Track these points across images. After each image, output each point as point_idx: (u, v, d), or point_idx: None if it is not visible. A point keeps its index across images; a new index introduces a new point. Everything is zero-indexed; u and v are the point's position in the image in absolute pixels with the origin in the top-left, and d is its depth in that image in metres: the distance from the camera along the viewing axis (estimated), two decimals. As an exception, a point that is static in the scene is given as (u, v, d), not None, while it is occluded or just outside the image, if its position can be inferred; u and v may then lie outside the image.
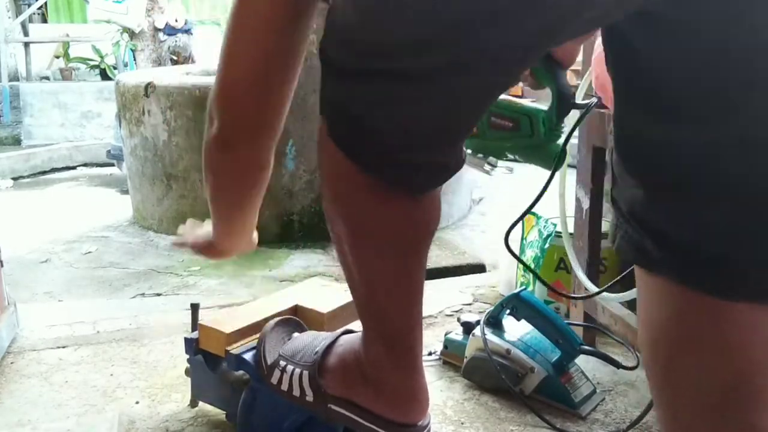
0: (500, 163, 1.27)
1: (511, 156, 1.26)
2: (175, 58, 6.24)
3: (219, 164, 0.99)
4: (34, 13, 7.78)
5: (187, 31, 6.39)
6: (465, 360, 1.59)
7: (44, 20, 8.46)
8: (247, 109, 0.93)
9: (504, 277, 2.09)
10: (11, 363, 1.70)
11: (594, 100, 1.15)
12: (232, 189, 1.03)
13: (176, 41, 6.31)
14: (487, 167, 1.29)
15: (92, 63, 6.92)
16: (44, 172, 4.95)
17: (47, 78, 7.06)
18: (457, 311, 1.96)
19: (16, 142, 5.66)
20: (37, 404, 1.51)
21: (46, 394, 1.55)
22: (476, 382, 1.54)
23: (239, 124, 0.95)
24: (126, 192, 3.62)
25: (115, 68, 6.59)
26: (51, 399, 1.53)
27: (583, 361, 1.51)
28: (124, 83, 3.32)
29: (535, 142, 1.20)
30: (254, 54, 0.91)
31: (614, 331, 1.56)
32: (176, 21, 6.28)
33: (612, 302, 1.56)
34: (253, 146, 0.97)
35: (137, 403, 1.49)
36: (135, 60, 6.27)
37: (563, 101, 1.16)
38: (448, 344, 1.67)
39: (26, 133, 5.66)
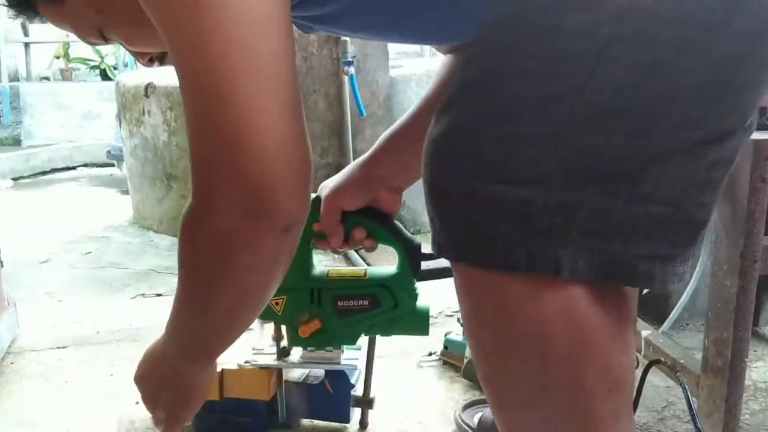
0: None
1: (365, 336, 1.15)
2: (175, 58, 6.24)
3: (275, 253, 0.67)
4: (34, 13, 7.78)
5: (188, 32, 6.38)
6: (465, 360, 1.59)
7: (44, 20, 8.46)
8: (303, 170, 0.63)
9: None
10: (11, 363, 1.70)
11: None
12: (272, 277, 0.72)
13: (176, 41, 6.31)
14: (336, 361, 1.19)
15: (92, 63, 6.92)
16: (44, 173, 4.94)
17: (47, 78, 7.05)
18: (456, 311, 1.96)
19: (16, 142, 5.66)
20: (36, 405, 1.51)
21: (46, 395, 1.55)
22: (477, 383, 1.54)
23: (300, 196, 0.64)
24: (126, 192, 3.62)
25: (115, 68, 6.59)
26: (51, 399, 1.53)
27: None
28: (124, 83, 3.32)
29: (400, 311, 1.10)
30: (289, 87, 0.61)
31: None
32: (176, 21, 6.28)
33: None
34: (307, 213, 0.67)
35: (137, 403, 1.49)
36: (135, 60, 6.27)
37: (413, 255, 1.06)
38: (449, 344, 1.66)
39: (26, 133, 5.66)
